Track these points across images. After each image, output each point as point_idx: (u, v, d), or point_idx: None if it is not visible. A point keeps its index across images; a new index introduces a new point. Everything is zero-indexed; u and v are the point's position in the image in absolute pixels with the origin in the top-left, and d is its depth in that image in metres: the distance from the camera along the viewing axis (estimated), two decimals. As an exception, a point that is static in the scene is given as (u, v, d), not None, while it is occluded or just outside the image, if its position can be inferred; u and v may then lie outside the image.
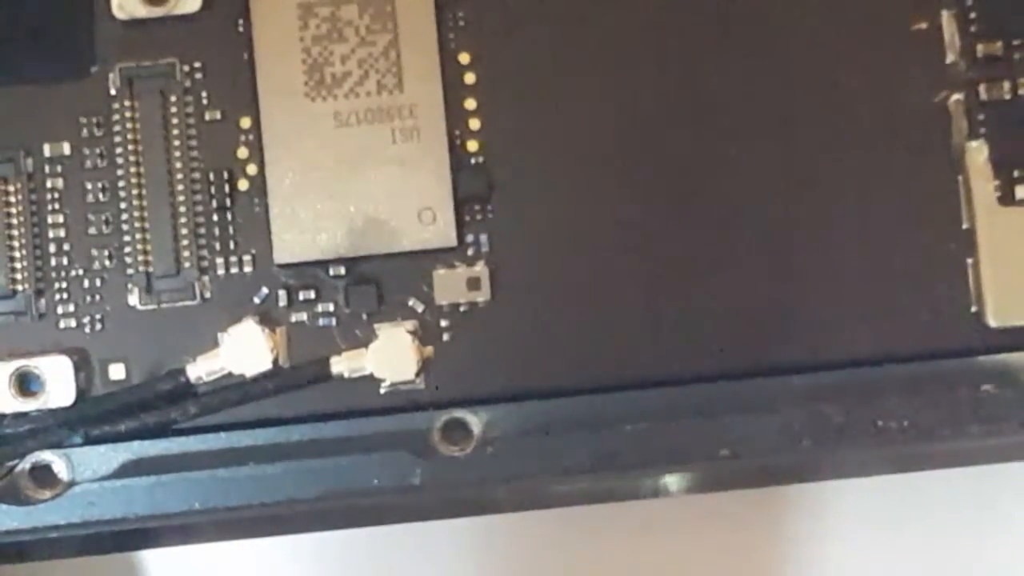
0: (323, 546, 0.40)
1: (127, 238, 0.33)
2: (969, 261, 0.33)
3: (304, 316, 0.33)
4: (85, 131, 0.33)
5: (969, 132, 0.33)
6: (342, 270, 0.33)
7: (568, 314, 0.33)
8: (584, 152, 0.33)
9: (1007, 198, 0.33)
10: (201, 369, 0.32)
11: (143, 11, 0.33)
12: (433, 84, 0.33)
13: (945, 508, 0.40)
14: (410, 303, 0.33)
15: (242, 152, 0.33)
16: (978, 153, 0.33)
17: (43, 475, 0.32)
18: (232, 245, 0.33)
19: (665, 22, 0.34)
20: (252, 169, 0.33)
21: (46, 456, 0.32)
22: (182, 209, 0.33)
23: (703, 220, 0.33)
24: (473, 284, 0.33)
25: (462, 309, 0.33)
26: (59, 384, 0.33)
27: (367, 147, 0.33)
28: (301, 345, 0.33)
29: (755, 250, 0.33)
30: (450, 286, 0.33)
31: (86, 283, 0.33)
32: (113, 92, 0.34)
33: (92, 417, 0.32)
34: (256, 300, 0.33)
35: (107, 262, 0.33)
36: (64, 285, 0.33)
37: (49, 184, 0.34)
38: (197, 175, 0.33)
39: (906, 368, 0.32)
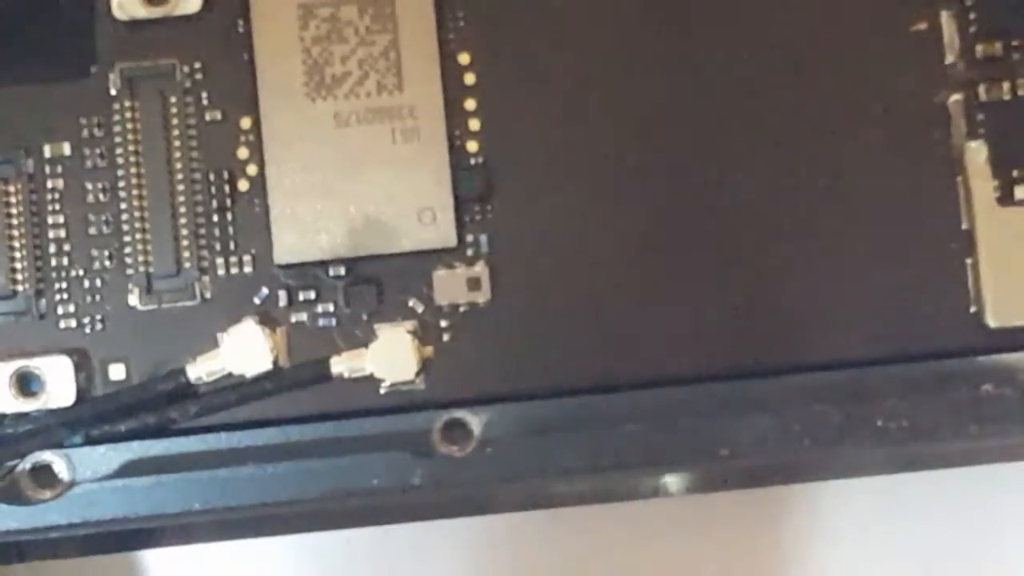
0: (323, 546, 0.40)
1: (127, 238, 0.33)
2: (968, 261, 0.33)
3: (304, 316, 0.33)
4: (85, 131, 0.33)
5: (968, 132, 0.33)
6: (342, 270, 0.33)
7: (568, 314, 0.33)
8: (584, 152, 0.33)
9: (1006, 198, 0.33)
10: (201, 369, 0.32)
11: (143, 11, 0.33)
12: (433, 84, 0.33)
13: (945, 508, 0.40)
14: (410, 303, 0.33)
15: (242, 152, 0.33)
16: (977, 153, 0.33)
17: (43, 475, 0.32)
18: (232, 245, 0.33)
19: (666, 22, 0.34)
20: (252, 169, 0.33)
21: (46, 456, 0.32)
22: (182, 209, 0.33)
23: (703, 219, 0.33)
24: (473, 284, 0.33)
25: (462, 309, 0.33)
26: (59, 384, 0.33)
27: (367, 147, 0.33)
28: (301, 345, 0.33)
29: (755, 250, 0.33)
30: (450, 286, 0.33)
31: (86, 283, 0.33)
32: (113, 92, 0.34)
33: (92, 417, 0.32)
34: (256, 300, 0.33)
35: (107, 262, 0.33)
36: (64, 285, 0.33)
37: (49, 184, 0.34)
38: (197, 175, 0.33)
39: (906, 368, 0.32)
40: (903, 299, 0.33)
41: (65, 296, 0.33)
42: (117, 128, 0.33)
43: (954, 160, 0.33)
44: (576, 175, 0.33)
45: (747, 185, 0.33)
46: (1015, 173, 0.33)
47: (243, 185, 0.33)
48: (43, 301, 0.33)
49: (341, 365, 0.33)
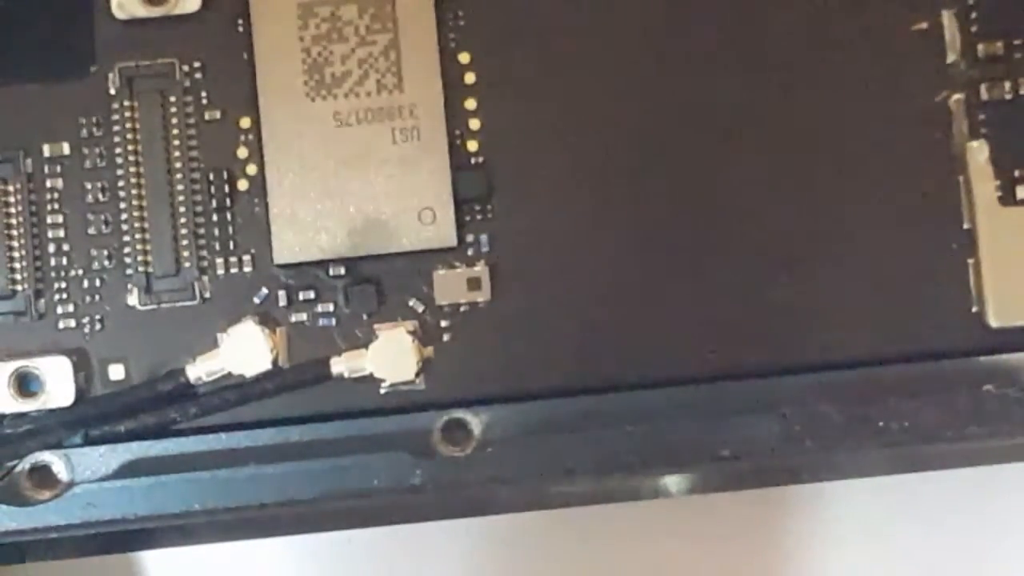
0: (323, 546, 0.40)
1: (127, 238, 0.33)
2: (970, 261, 0.33)
3: (304, 316, 0.33)
4: (84, 131, 0.33)
5: (970, 132, 0.33)
6: (342, 270, 0.33)
7: (568, 314, 0.33)
8: (584, 152, 0.33)
9: (1008, 198, 0.33)
10: (201, 369, 0.32)
11: (143, 11, 0.33)
12: (433, 84, 0.33)
13: (945, 509, 0.40)
14: (410, 303, 0.33)
15: (242, 152, 0.33)
16: (979, 153, 0.33)
17: (43, 475, 0.32)
18: (232, 245, 0.33)
19: (665, 21, 0.34)
20: (252, 169, 0.33)
21: (46, 456, 0.32)
22: (182, 209, 0.33)
23: (703, 219, 0.33)
24: (473, 284, 0.33)
25: (462, 309, 0.33)
26: (59, 384, 0.33)
27: (367, 147, 0.33)
28: (301, 345, 0.33)
29: (756, 250, 0.33)
30: (450, 286, 0.33)
31: (85, 283, 0.33)
32: (113, 92, 0.34)
33: (92, 417, 0.32)
34: (256, 300, 0.33)
35: (106, 262, 0.33)
36: (63, 285, 0.33)
37: (48, 184, 0.33)
38: (197, 175, 0.33)
39: (907, 368, 0.32)
40: (904, 299, 0.33)
41: (64, 296, 0.33)
42: (116, 128, 0.33)
43: (955, 160, 0.33)
44: (576, 175, 0.33)
45: (747, 185, 0.33)
46: (1016, 173, 0.33)
47: (242, 185, 0.33)
48: (42, 301, 0.33)
49: (341, 365, 0.32)
